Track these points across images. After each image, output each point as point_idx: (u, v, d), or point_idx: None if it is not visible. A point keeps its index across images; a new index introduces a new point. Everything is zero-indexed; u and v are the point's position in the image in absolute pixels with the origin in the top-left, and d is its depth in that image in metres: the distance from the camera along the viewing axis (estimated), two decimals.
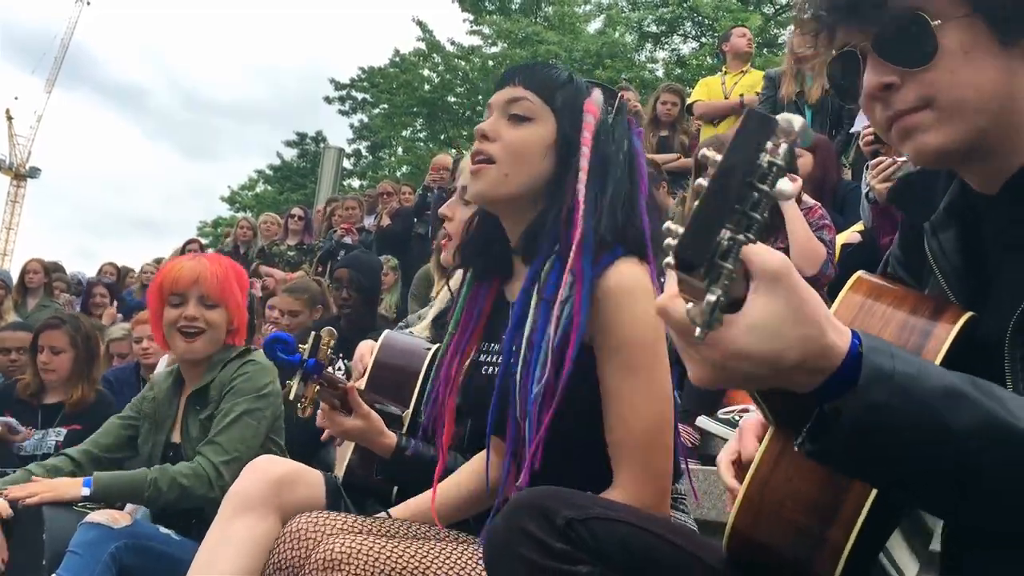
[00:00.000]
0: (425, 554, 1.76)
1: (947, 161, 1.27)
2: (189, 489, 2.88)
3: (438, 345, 2.51)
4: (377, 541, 1.77)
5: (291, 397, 2.20)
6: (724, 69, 7.65)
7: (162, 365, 4.81)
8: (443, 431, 1.90)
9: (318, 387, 2.21)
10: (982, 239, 1.29)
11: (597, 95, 1.84)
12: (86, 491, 2.96)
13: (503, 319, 1.85)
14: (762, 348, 0.94)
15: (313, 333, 2.24)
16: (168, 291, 3.09)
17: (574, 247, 1.68)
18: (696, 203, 0.88)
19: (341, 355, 3.42)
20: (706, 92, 7.50)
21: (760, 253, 0.94)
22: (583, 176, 1.74)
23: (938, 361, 1.15)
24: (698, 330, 0.90)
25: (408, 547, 1.77)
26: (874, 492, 1.12)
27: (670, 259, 0.89)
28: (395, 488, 2.41)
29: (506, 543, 1.28)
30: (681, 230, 0.88)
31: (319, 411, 2.32)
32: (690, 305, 0.90)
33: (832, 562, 1.16)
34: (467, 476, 2.06)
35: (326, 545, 1.76)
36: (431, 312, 2.77)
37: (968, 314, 1.23)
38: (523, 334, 1.71)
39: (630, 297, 1.67)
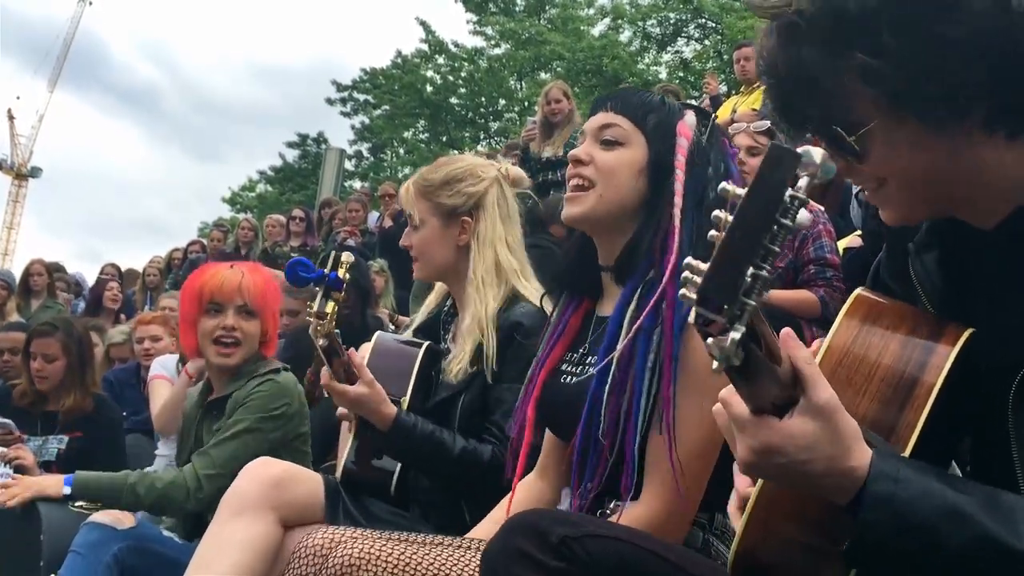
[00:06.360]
0: (445, 560, 1.78)
1: (917, 223, 1.32)
2: (165, 497, 2.86)
3: (429, 343, 2.55)
4: (397, 546, 1.79)
5: (313, 311, 2.24)
6: (741, 90, 7.84)
7: (155, 368, 4.78)
8: (521, 440, 1.92)
9: (336, 305, 2.27)
10: (968, 265, 1.30)
11: (690, 117, 1.85)
12: (67, 489, 2.98)
13: (588, 332, 1.90)
14: (794, 453, 1.08)
15: (333, 252, 2.30)
16: (208, 299, 3.04)
17: (667, 274, 1.68)
18: (721, 241, 0.87)
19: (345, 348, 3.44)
20: (719, 116, 7.69)
21: (817, 382, 1.08)
22: (678, 200, 1.74)
23: (942, 377, 1.19)
24: (715, 363, 0.90)
25: (428, 552, 1.79)
26: None
27: (692, 295, 0.88)
28: (393, 482, 2.43)
29: (501, 563, 1.30)
30: (705, 268, 0.87)
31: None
32: (709, 340, 0.89)
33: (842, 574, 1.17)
34: (535, 492, 2.05)
35: (343, 550, 1.78)
36: (416, 320, 2.78)
37: (969, 331, 1.24)
38: (613, 356, 1.72)
39: None
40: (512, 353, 2.32)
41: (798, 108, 1.24)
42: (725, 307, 0.86)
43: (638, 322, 1.69)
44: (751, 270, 0.86)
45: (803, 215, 0.88)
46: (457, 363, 2.38)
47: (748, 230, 0.86)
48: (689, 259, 0.89)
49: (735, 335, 0.87)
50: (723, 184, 0.93)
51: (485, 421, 2.34)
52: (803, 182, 0.89)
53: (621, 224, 1.82)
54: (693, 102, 8.85)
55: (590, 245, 1.91)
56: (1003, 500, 1.09)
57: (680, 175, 1.77)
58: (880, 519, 1.07)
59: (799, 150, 0.90)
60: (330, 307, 2.26)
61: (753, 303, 0.86)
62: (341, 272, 2.26)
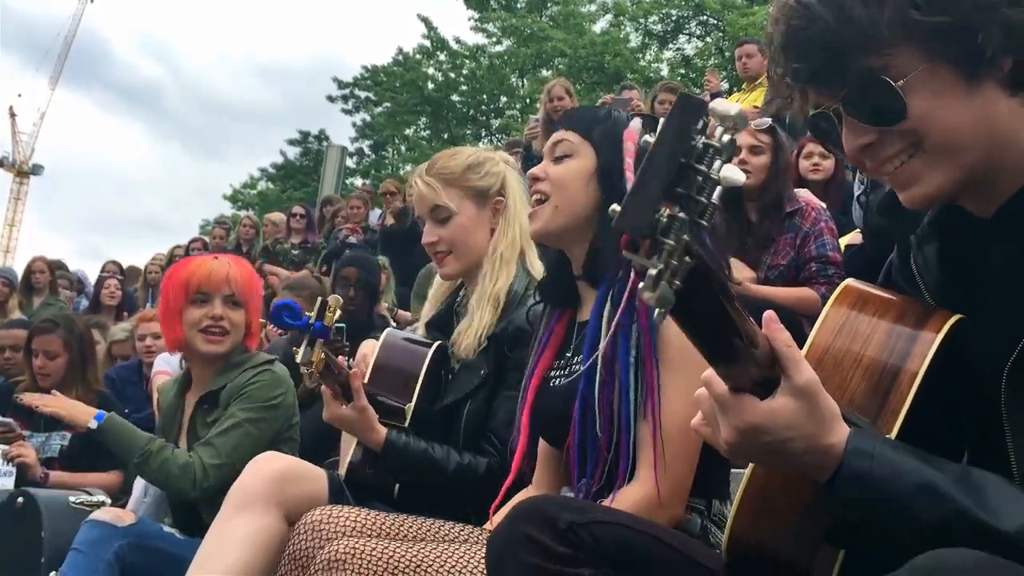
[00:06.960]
0: (427, 555, 1.80)
1: (942, 203, 1.29)
2: (174, 478, 2.84)
3: (440, 342, 2.53)
4: (380, 543, 1.81)
5: (298, 360, 2.22)
6: (743, 87, 7.83)
7: (158, 364, 4.78)
8: (518, 446, 1.99)
9: (323, 353, 2.24)
10: (971, 256, 1.30)
11: (635, 123, 1.94)
12: (94, 424, 2.95)
13: (572, 338, 1.98)
14: (777, 431, 1.11)
15: (319, 298, 2.27)
16: (195, 289, 3.02)
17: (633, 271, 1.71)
18: (633, 181, 0.89)
19: (347, 346, 3.44)
20: None
21: (798, 364, 1.11)
22: None
23: (925, 365, 1.20)
24: (656, 311, 0.90)
25: (411, 548, 1.81)
26: None
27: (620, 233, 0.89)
28: (396, 486, 2.43)
29: (508, 548, 1.31)
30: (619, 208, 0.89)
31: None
32: (639, 285, 0.89)
33: (830, 562, 1.18)
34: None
35: (332, 546, 1.80)
36: (425, 313, 2.77)
37: (955, 317, 1.25)
38: (597, 355, 1.78)
39: None
40: (514, 361, 2.32)
41: (836, 64, 1.21)
42: (643, 241, 0.87)
43: (615, 321, 1.75)
44: (665, 210, 0.86)
45: (730, 171, 0.89)
46: (467, 336, 2.39)
47: (656, 170, 0.88)
48: (613, 205, 0.90)
49: (652, 271, 0.87)
50: (644, 136, 0.97)
51: (484, 431, 2.35)
52: (719, 132, 0.89)
53: (583, 231, 1.92)
54: None
55: (564, 257, 2.01)
56: (973, 475, 1.11)
57: (630, 176, 1.82)
58: (856, 495, 1.10)
59: (713, 102, 0.91)
60: (316, 356, 2.22)
61: (672, 243, 0.86)
62: (328, 318, 2.23)
